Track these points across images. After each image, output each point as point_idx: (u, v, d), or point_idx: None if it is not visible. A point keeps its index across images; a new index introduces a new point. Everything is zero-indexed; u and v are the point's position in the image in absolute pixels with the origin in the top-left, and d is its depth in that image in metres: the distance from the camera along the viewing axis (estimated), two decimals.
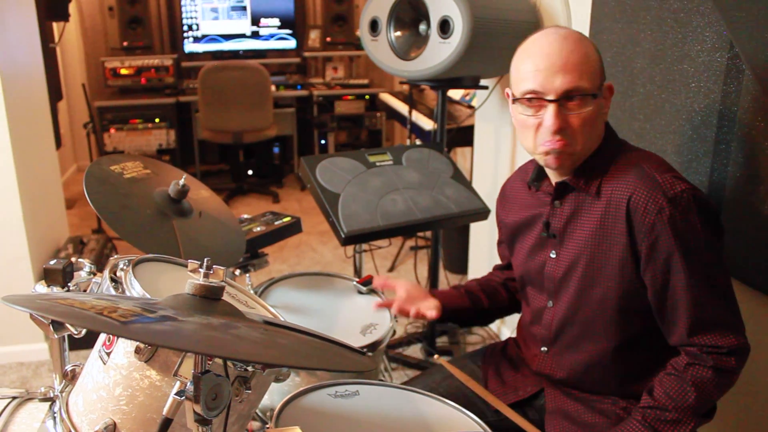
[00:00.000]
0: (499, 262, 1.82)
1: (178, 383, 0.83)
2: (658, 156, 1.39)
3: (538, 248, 1.52)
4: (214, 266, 0.91)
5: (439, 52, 2.25)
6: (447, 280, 3.56)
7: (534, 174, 1.50)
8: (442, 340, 3.06)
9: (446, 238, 3.79)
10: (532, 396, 1.58)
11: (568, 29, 1.35)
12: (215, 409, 0.82)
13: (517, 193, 1.60)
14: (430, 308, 1.62)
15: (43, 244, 2.98)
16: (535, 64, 1.30)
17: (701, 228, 1.28)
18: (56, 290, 1.15)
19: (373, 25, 2.46)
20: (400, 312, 1.64)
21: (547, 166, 1.40)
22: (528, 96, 1.32)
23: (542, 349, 1.54)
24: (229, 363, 0.91)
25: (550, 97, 1.29)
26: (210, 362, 0.84)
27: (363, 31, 2.51)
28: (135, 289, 1.07)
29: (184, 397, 0.81)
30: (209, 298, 0.89)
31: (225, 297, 0.93)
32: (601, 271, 1.38)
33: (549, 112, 1.29)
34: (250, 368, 0.95)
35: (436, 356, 1.66)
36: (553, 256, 1.47)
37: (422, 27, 2.38)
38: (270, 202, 5.31)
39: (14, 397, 1.22)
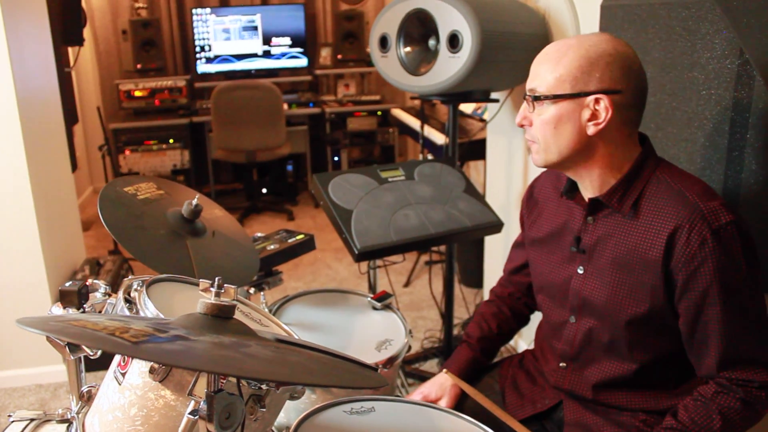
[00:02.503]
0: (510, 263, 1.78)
1: (192, 402, 0.83)
2: (699, 180, 1.36)
3: (565, 262, 1.49)
4: (225, 285, 0.91)
5: (448, 67, 2.26)
6: (462, 294, 3.55)
7: (567, 185, 1.49)
8: None
9: (461, 252, 3.78)
10: (550, 408, 1.56)
11: (583, 36, 1.35)
12: (229, 428, 0.82)
13: (548, 199, 1.57)
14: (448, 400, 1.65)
15: (59, 266, 3.00)
16: None
17: (743, 262, 1.26)
18: (72, 312, 1.16)
19: (383, 42, 2.47)
20: None
21: None
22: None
23: (561, 364, 1.52)
24: (243, 381, 0.91)
25: (525, 94, 1.37)
26: (224, 381, 0.84)
27: (373, 48, 2.52)
28: (149, 309, 1.07)
29: (198, 417, 0.81)
30: (220, 317, 0.90)
31: (239, 316, 0.93)
32: (631, 294, 1.36)
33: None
34: (264, 386, 0.95)
35: (444, 371, 1.64)
36: (580, 272, 1.45)
37: (431, 42, 2.39)
38: (285, 219, 5.32)
39: (32, 419, 1.23)
